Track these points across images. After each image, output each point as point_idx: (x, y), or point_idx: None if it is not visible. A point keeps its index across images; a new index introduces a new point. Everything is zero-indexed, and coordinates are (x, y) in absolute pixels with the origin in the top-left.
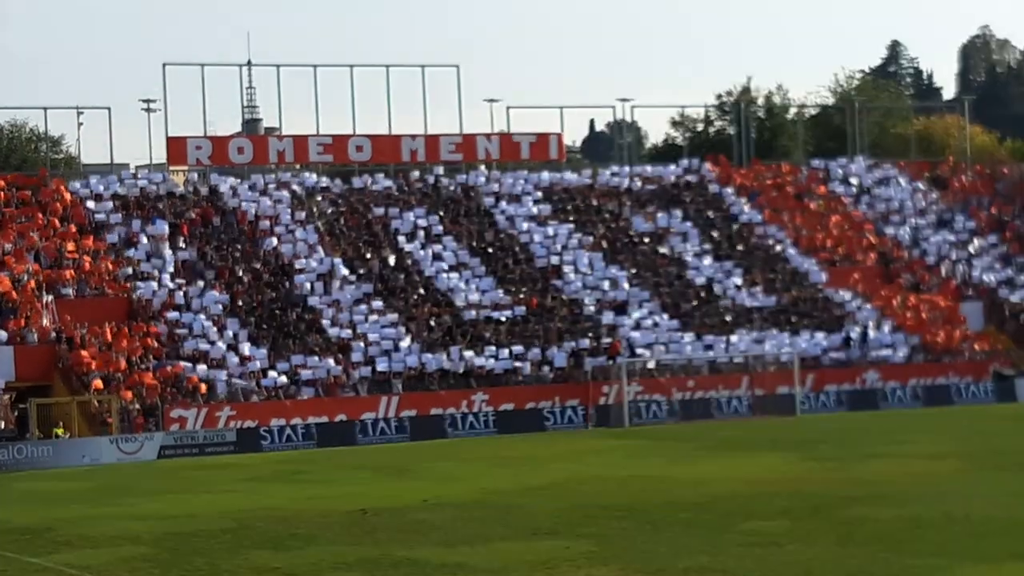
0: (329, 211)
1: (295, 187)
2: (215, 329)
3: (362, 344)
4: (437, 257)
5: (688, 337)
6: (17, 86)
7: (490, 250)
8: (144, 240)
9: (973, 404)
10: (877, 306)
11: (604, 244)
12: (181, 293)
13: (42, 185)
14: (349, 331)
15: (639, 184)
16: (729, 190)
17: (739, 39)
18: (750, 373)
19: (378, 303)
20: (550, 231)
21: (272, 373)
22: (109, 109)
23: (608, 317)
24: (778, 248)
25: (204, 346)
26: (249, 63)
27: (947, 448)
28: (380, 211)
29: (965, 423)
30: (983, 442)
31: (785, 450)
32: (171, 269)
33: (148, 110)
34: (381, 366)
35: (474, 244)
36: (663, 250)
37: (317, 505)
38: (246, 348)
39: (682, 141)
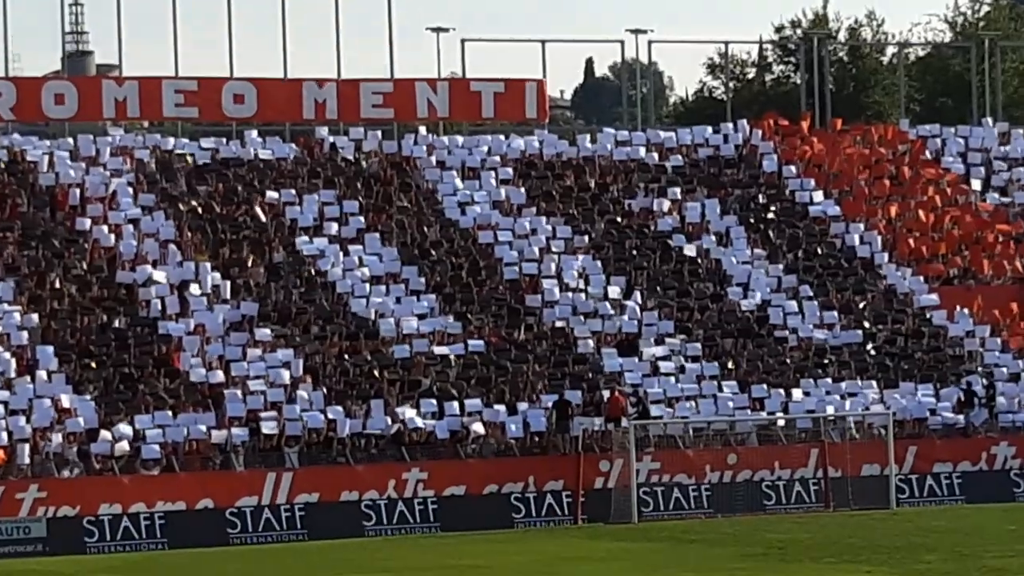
0: (189, 192)
1: (141, 155)
2: (15, 365)
3: (239, 393)
4: (354, 264)
5: (729, 389)
6: None
7: (434, 254)
8: None
9: None
10: (1014, 346)
11: (605, 246)
12: None
13: None
14: (220, 372)
15: (657, 157)
16: (792, 168)
17: None
18: (822, 444)
19: (264, 332)
20: (525, 225)
21: (104, 435)
22: None
23: (610, 357)
24: (866, 256)
25: (3, 394)
26: None
27: None
28: (270, 194)
29: None
30: None
31: (875, 561)
32: None
33: None
34: (268, 427)
35: (409, 244)
36: (693, 255)
37: None
38: (65, 397)
39: (723, 94)
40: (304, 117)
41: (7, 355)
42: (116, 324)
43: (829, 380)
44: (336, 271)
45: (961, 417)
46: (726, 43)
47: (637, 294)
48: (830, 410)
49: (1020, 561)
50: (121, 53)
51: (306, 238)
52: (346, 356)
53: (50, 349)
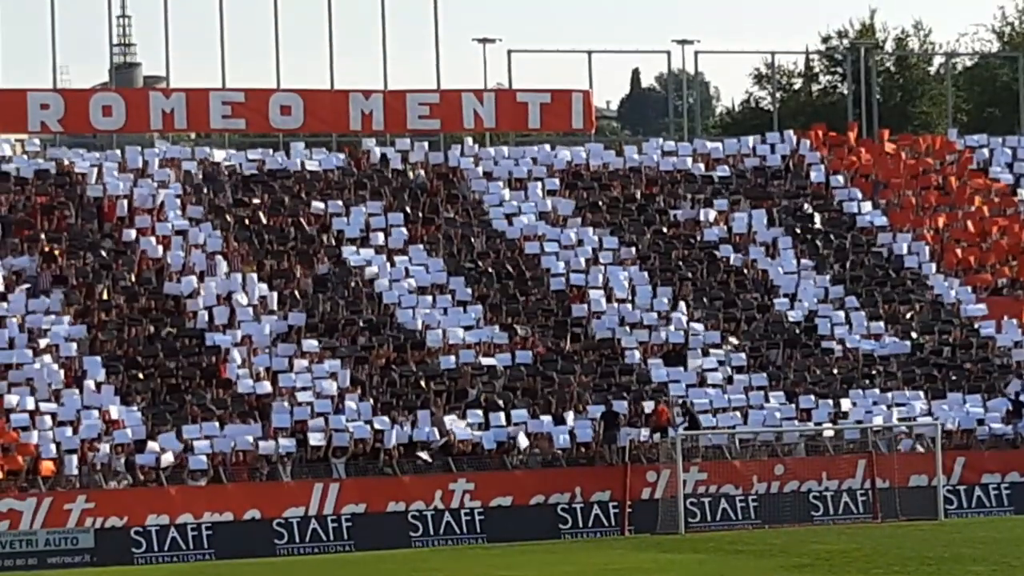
0: (236, 202)
1: (188, 167)
2: (63, 376)
3: (286, 404)
4: (400, 274)
5: (777, 399)
6: None
7: (480, 264)
8: None
9: None
10: None
11: (652, 257)
12: (14, 321)
13: None
14: (267, 383)
15: (704, 168)
16: (839, 178)
17: None
18: (870, 454)
19: (311, 343)
20: (571, 236)
21: (151, 446)
22: None
23: (657, 368)
24: (914, 266)
25: (47, 405)
26: None
27: None
28: (317, 205)
29: None
30: None
31: (922, 572)
32: (0, 285)
33: None
34: (315, 438)
35: (456, 255)
36: (742, 266)
37: None
38: (113, 408)
39: (770, 105)
40: (351, 128)
41: (55, 366)
42: (163, 335)
43: (876, 391)
44: (383, 282)
45: (1010, 428)
46: (772, 53)
47: (684, 305)
48: (878, 420)
49: None
50: (168, 65)
51: (353, 249)
52: (393, 367)
53: (98, 360)
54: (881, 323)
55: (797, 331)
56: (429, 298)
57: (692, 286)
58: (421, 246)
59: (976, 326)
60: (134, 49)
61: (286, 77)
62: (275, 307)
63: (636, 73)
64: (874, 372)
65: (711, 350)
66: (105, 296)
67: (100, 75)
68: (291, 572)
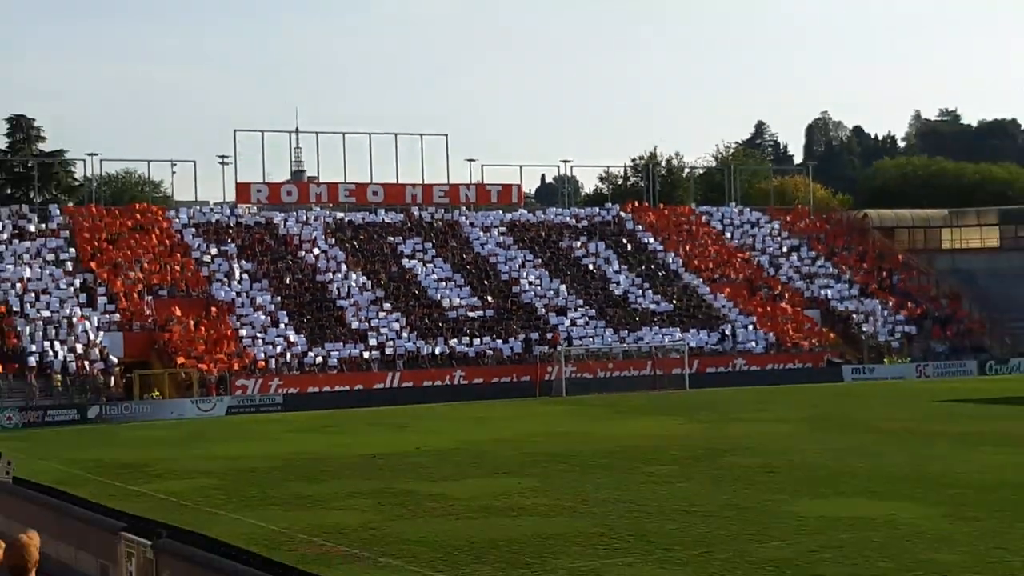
0: (351, 237)
1: (327, 220)
2: (269, 321)
3: (375, 334)
4: (430, 272)
5: (609, 332)
6: (126, 145)
7: (468, 268)
8: (219, 256)
9: (811, 384)
10: (745, 311)
11: (550, 264)
12: (245, 295)
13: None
14: (366, 324)
15: (575, 222)
16: (640, 227)
17: (648, 118)
18: (653, 359)
19: (387, 305)
20: (512, 254)
21: (310, 354)
22: (195, 162)
23: (552, 317)
24: (674, 268)
25: (260, 334)
26: (297, 130)
27: (791, 415)
28: (390, 239)
29: (805, 397)
30: (817, 410)
31: (676, 414)
32: (237, 277)
33: (223, 163)
34: (388, 350)
35: (457, 263)
36: (592, 269)
37: (341, 451)
38: (291, 335)
39: (607, 191)
40: (405, 202)
41: (264, 317)
42: (315, 301)
43: (657, 327)
44: (421, 276)
45: (719, 346)
46: (608, 167)
47: (564, 288)
48: (657, 342)
49: (748, 415)
50: (319, 170)
51: (406, 259)
52: (425, 317)
53: (285, 313)
54: (660, 296)
55: (619, 299)
56: (443, 284)
57: (570, 279)
58: (440, 259)
59: (704, 297)
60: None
61: (375, 176)
62: (369, 288)
63: (543, 176)
64: (655, 319)
65: (578, 308)
66: (287, 282)
67: (286, 175)
68: (380, 415)
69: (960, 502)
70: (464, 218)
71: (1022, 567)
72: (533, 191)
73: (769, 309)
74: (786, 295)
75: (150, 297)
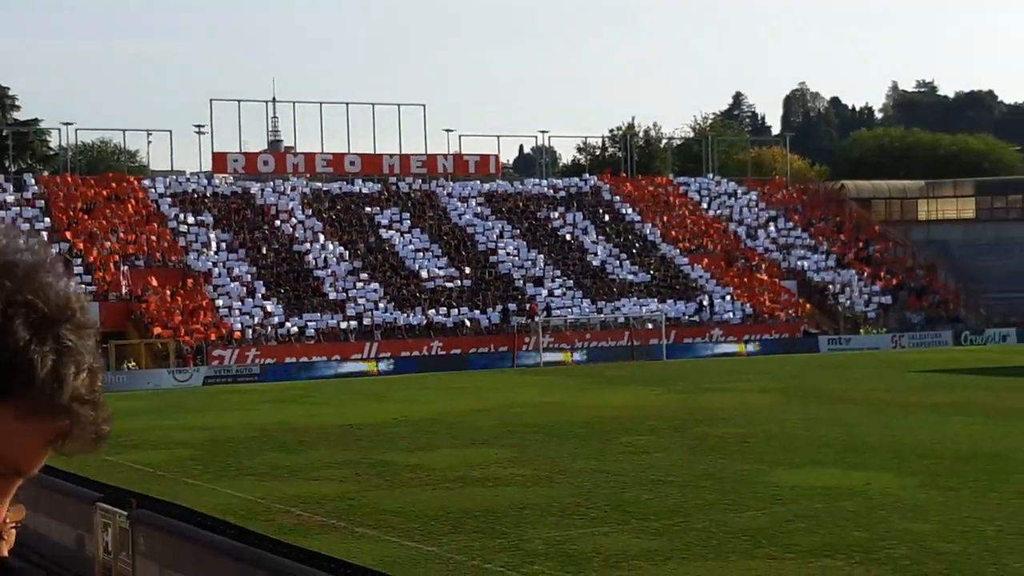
0: (328, 207)
1: (304, 190)
2: (245, 291)
3: (352, 304)
4: (407, 243)
5: (587, 303)
6: (102, 115)
7: (446, 238)
8: (195, 226)
9: (788, 354)
10: (722, 282)
11: (528, 235)
12: (222, 265)
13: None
14: (343, 295)
15: (553, 192)
16: (618, 198)
17: (626, 89)
18: (630, 329)
19: (364, 275)
20: (489, 225)
21: (287, 324)
22: (171, 131)
23: (530, 288)
24: (652, 239)
25: (237, 304)
26: (274, 99)
27: (768, 385)
28: (367, 209)
29: (781, 367)
30: (793, 381)
31: (653, 384)
32: (214, 247)
33: (199, 133)
34: (366, 320)
35: (434, 233)
36: (570, 240)
37: (318, 421)
38: (268, 306)
39: (585, 162)
40: (383, 172)
41: (241, 287)
42: (292, 271)
43: (635, 298)
44: (399, 246)
45: (697, 316)
46: (586, 137)
47: (542, 259)
48: (635, 313)
49: (724, 385)
50: (296, 140)
51: (384, 229)
52: (403, 287)
53: (262, 283)
54: (637, 267)
55: (597, 270)
56: (421, 255)
57: (547, 249)
58: (418, 229)
59: (681, 268)
60: (279, 133)
61: (352, 146)
62: (347, 258)
63: (521, 146)
64: (633, 290)
65: (555, 279)
66: (264, 252)
67: (263, 145)
68: (358, 385)
69: (934, 472)
70: (442, 188)
71: (995, 536)
72: (511, 161)
73: (746, 280)
74: (763, 266)
75: (125, 267)
